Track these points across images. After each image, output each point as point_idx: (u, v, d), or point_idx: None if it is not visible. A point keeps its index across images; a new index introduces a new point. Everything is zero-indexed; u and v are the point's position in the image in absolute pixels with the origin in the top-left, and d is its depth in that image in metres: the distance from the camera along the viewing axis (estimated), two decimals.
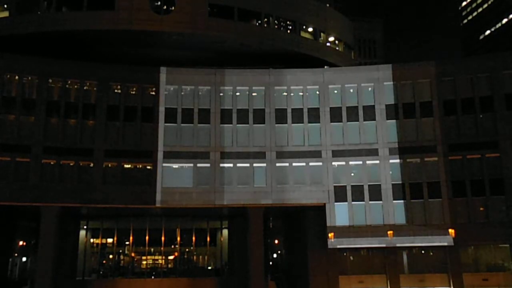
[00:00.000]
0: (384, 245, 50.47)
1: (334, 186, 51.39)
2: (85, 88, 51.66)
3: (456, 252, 50.25)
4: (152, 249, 59.58)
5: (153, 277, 57.47)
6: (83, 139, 50.52)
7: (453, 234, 49.05)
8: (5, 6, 55.42)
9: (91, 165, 50.28)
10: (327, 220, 50.68)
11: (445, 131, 51.25)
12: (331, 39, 65.32)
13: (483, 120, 51.12)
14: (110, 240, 59.27)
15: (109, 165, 50.91)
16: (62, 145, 49.86)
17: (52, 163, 49.55)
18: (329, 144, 52.15)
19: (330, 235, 50.27)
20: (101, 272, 58.50)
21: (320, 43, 63.40)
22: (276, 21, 59.87)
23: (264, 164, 51.88)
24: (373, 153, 51.78)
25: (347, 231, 50.43)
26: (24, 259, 59.84)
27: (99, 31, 53.73)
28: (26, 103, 50.02)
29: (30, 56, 51.15)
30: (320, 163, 51.89)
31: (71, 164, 50.06)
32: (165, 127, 51.97)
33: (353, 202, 51.06)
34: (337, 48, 66.38)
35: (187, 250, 60.59)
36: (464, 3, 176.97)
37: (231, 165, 51.78)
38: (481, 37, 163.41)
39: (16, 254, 59.01)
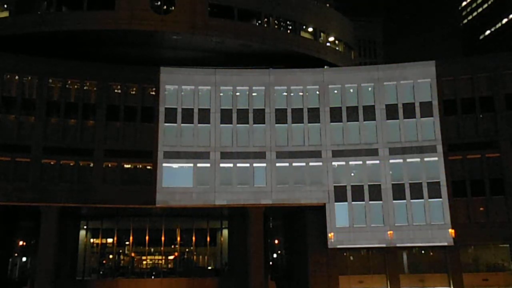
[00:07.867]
0: (384, 245, 50.51)
1: (334, 186, 51.44)
2: (85, 88, 51.68)
3: (456, 252, 50.27)
4: (152, 249, 59.58)
5: (153, 277, 57.44)
6: (83, 139, 50.52)
7: (453, 234, 49.07)
8: (5, 6, 55.36)
9: (91, 165, 50.31)
10: (327, 220, 50.70)
11: (445, 131, 51.25)
12: (331, 39, 65.30)
13: (483, 120, 51.12)
14: (110, 240, 59.25)
15: (109, 165, 50.93)
16: (62, 145, 49.89)
17: (52, 163, 49.57)
18: (329, 144, 52.19)
19: (330, 235, 50.28)
20: (101, 272, 58.51)
21: (320, 43, 63.36)
22: (276, 21, 59.83)
23: (264, 164, 51.91)
24: (373, 153, 51.87)
25: (347, 231, 50.46)
26: (24, 259, 59.73)
27: (99, 31, 53.67)
28: (26, 103, 50.02)
29: (30, 56, 51.14)
30: (320, 163, 51.93)
31: (71, 164, 50.09)
32: (165, 127, 51.99)
33: (353, 202, 51.09)
34: (337, 48, 66.33)
35: (187, 250, 60.57)
36: (464, 3, 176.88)
37: (231, 165, 51.80)
38: (481, 37, 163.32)
39: (16, 254, 58.91)
